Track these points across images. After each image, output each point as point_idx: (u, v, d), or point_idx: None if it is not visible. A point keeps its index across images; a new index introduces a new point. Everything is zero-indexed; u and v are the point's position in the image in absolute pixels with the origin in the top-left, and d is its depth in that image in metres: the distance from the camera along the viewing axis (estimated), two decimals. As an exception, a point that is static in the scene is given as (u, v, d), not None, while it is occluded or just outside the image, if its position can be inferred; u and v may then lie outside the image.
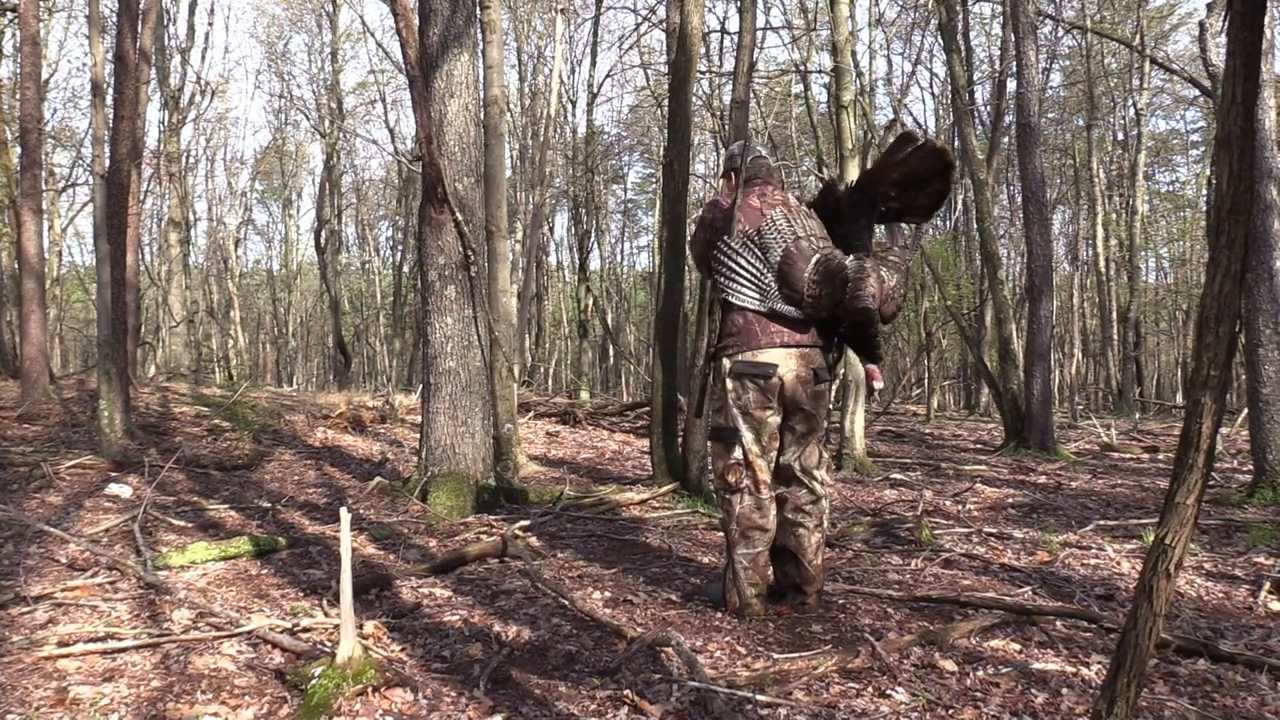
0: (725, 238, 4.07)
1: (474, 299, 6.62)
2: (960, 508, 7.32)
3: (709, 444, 4.42)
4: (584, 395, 22.65)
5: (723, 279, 4.06)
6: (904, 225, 4.42)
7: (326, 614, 3.97)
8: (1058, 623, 4.01)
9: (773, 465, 4.09)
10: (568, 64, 26.69)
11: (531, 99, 27.09)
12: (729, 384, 4.02)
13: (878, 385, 4.50)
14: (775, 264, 3.96)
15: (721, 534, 5.84)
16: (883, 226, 4.36)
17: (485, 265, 7.63)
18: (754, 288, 4.01)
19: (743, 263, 4.02)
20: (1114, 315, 26.53)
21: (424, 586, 4.53)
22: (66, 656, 3.38)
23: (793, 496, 4.11)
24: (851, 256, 3.89)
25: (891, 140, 4.11)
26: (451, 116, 6.63)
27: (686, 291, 8.96)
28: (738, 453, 4.01)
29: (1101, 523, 6.48)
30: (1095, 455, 11.50)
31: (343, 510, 3.20)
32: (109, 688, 3.13)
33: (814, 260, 3.92)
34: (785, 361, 3.96)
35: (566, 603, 4.13)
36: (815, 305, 3.94)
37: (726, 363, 4.04)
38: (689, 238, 4.47)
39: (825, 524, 4.18)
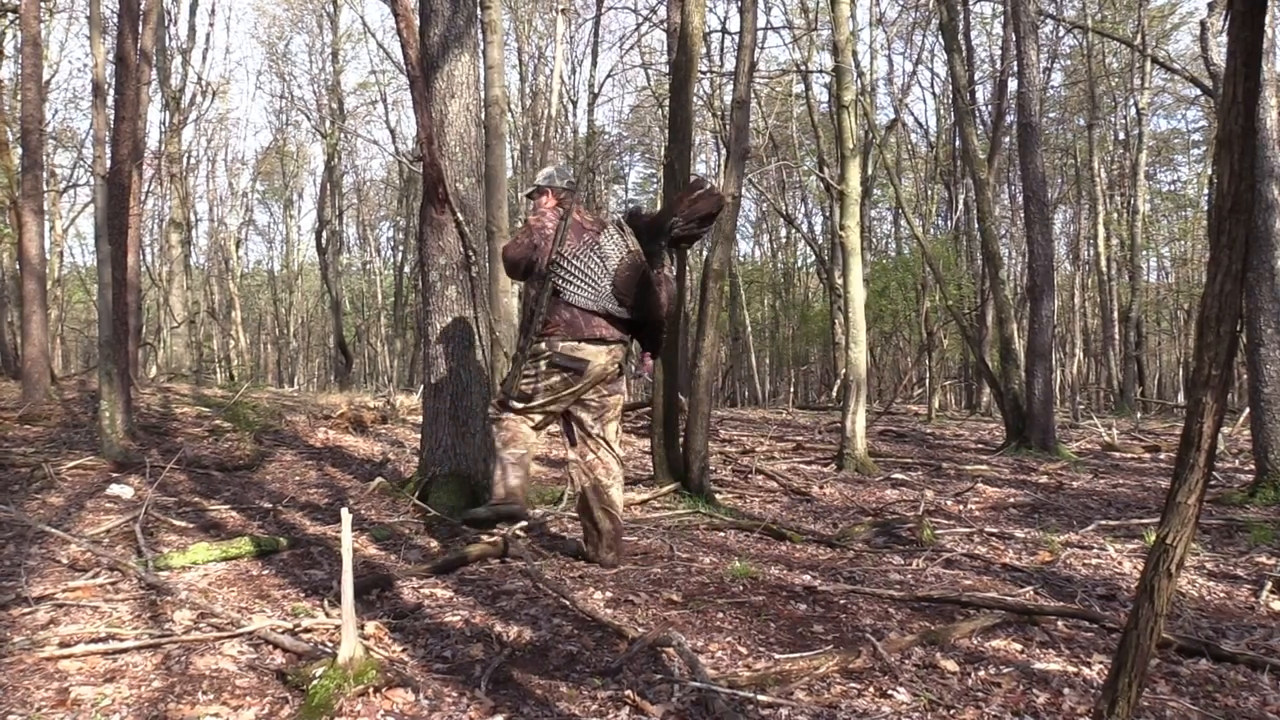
0: (565, 245, 4.75)
1: (475, 299, 6.62)
2: (962, 508, 7.32)
3: (501, 393, 4.99)
4: (585, 395, 22.61)
5: (563, 281, 4.72)
6: (678, 246, 5.31)
7: (328, 614, 3.97)
8: (1059, 623, 4.01)
9: (546, 420, 5.00)
10: (569, 64, 26.70)
11: (532, 99, 27.10)
12: (543, 365, 4.77)
13: (647, 372, 5.26)
14: (612, 270, 4.73)
15: (721, 534, 5.91)
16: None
17: (486, 265, 7.64)
18: (591, 289, 4.73)
19: (583, 267, 4.73)
20: (1115, 315, 26.53)
21: (425, 587, 4.53)
22: (68, 657, 3.38)
23: (602, 462, 4.99)
24: (655, 271, 4.82)
25: (693, 182, 5.02)
26: (452, 117, 6.63)
27: (688, 292, 8.95)
28: (518, 407, 4.86)
29: (1103, 522, 6.48)
30: (1097, 455, 11.49)
31: (344, 511, 3.20)
32: (110, 688, 3.13)
33: (641, 271, 4.74)
34: (597, 357, 4.76)
35: (568, 603, 4.13)
36: (634, 308, 4.77)
37: (545, 347, 4.75)
38: (511, 241, 5.07)
39: (622, 480, 5.17)
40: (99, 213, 8.53)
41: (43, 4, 14.95)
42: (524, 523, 5.42)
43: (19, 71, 13.02)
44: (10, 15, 15.38)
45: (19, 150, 11.96)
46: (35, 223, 10.68)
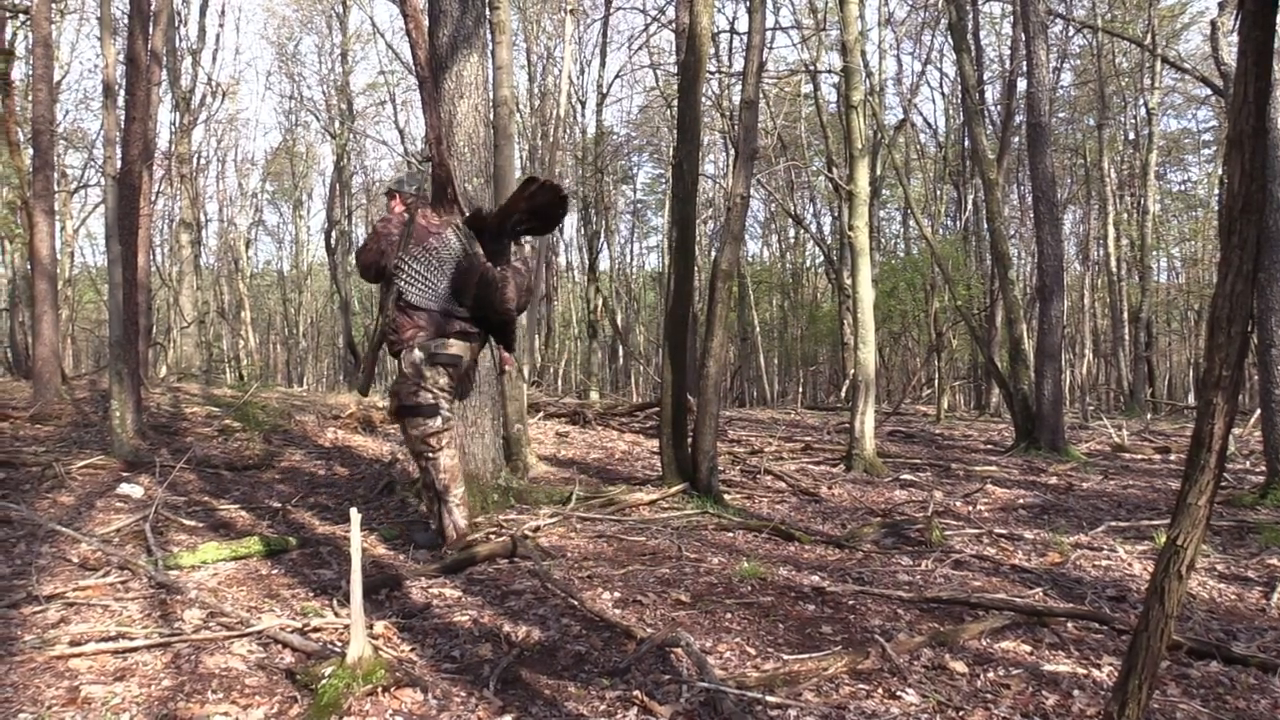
0: (407, 248, 4.93)
1: (483, 299, 6.62)
2: (971, 509, 7.30)
3: (404, 420, 5.08)
4: (593, 396, 22.66)
5: (404, 283, 4.91)
6: (531, 239, 5.72)
7: (337, 614, 3.98)
8: (1069, 624, 4.00)
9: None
10: (577, 64, 26.73)
11: (541, 99, 27.11)
12: (425, 370, 4.93)
13: (510, 368, 5.44)
14: (449, 273, 4.93)
15: (730, 534, 5.90)
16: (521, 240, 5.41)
17: (495, 266, 7.64)
18: (431, 291, 4.92)
19: (421, 270, 4.91)
20: (1125, 315, 26.42)
21: (434, 587, 4.53)
22: (78, 656, 3.40)
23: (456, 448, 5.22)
24: (499, 268, 4.99)
25: (524, 180, 5.06)
26: (461, 117, 6.64)
27: (696, 292, 8.95)
28: (438, 421, 4.98)
29: (1113, 524, 6.46)
30: (1106, 456, 11.45)
31: (353, 511, 3.21)
32: (120, 687, 3.15)
33: (479, 272, 4.92)
34: (464, 352, 5.00)
35: (576, 603, 4.13)
36: (476, 306, 4.97)
37: (419, 352, 4.92)
38: (361, 246, 5.19)
39: None
40: (109, 213, 8.56)
41: (54, 5, 15.01)
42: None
43: (30, 72, 13.08)
44: (22, 16, 15.45)
45: (30, 151, 12.01)
46: (46, 223, 10.72)
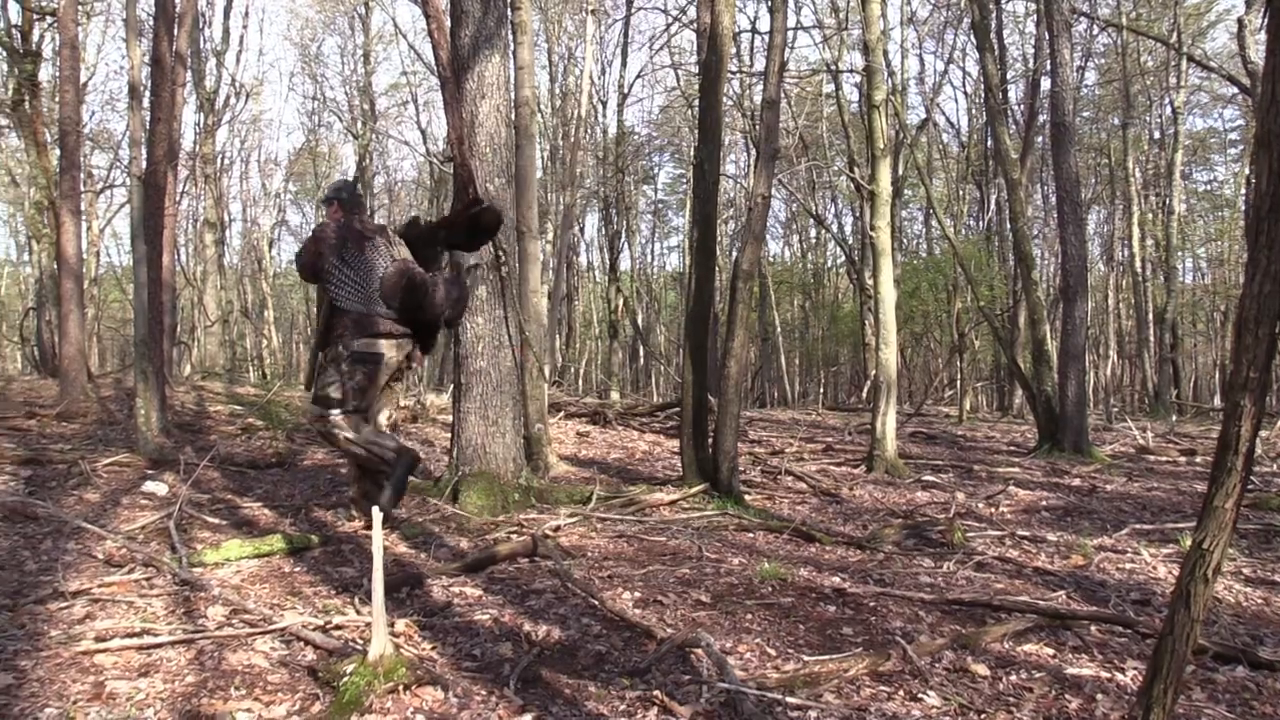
0: (339, 253, 5.15)
1: (505, 299, 6.65)
2: (993, 510, 7.26)
3: (318, 407, 5.22)
4: (614, 395, 22.66)
5: (334, 286, 5.13)
6: (464, 254, 6.13)
7: (358, 612, 4.00)
8: (1092, 627, 3.97)
9: (366, 417, 5.25)
10: (598, 64, 26.73)
11: (562, 100, 27.15)
12: (344, 366, 5.11)
13: (417, 366, 5.63)
14: (378, 277, 5.11)
15: (750, 535, 5.90)
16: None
17: (516, 265, 7.66)
18: (360, 293, 5.11)
19: (351, 274, 5.12)
20: (1150, 316, 26.20)
21: (455, 585, 4.55)
22: (103, 651, 3.43)
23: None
24: (430, 274, 5.21)
25: (472, 199, 5.34)
26: (483, 118, 6.66)
27: (717, 292, 8.94)
28: (337, 414, 5.10)
29: (1137, 526, 6.40)
30: (1131, 458, 11.36)
31: (374, 509, 3.23)
32: (144, 682, 3.17)
33: (406, 276, 5.10)
34: (389, 350, 5.16)
35: (596, 603, 4.14)
36: (403, 309, 5.14)
37: (344, 349, 5.11)
38: (300, 248, 5.43)
39: None
40: (135, 213, 8.64)
41: (80, 7, 15.15)
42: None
43: (57, 74, 13.23)
44: (49, 18, 15.61)
45: (57, 151, 12.15)
46: (72, 223, 10.82)
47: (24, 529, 5.34)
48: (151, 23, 9.83)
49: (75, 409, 9.91)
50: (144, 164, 9.14)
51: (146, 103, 10.06)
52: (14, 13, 16.05)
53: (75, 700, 3.01)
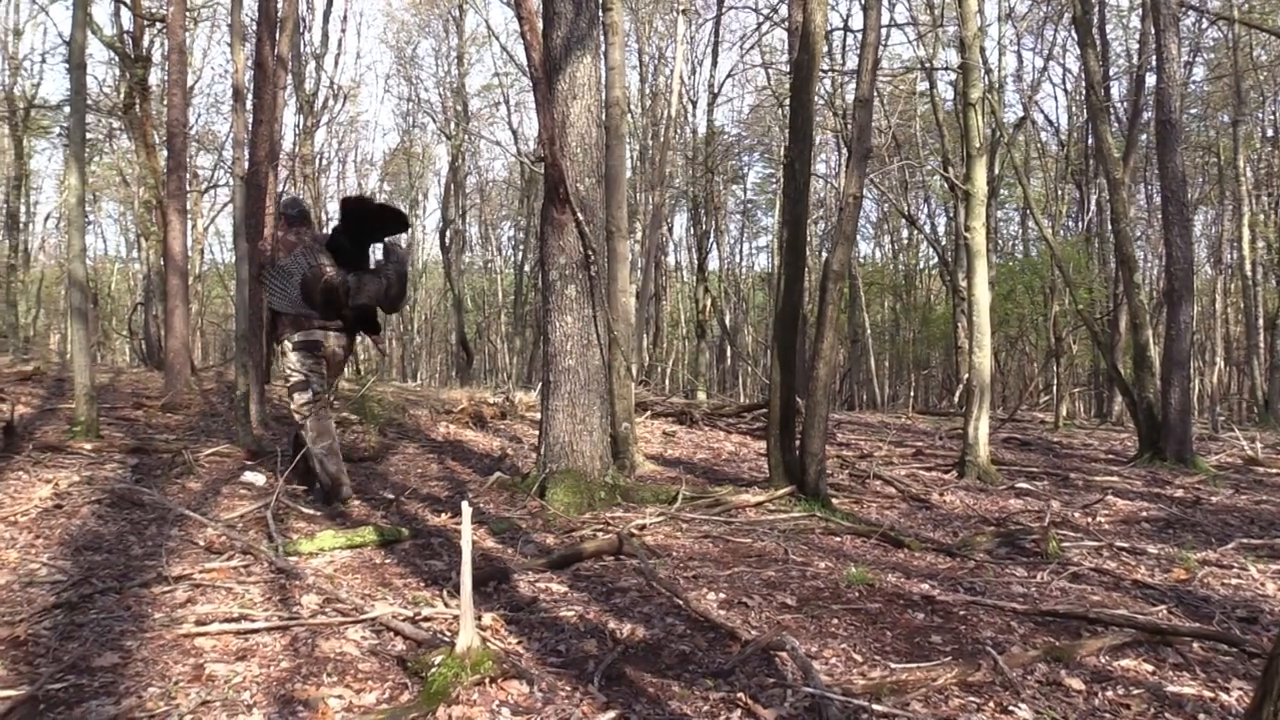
0: (271, 264, 6.24)
1: (593, 298, 6.68)
2: (1090, 520, 7.04)
3: (288, 393, 6.47)
4: (701, 396, 22.59)
5: (268, 293, 6.29)
6: (397, 243, 7.01)
7: (446, 604, 4.06)
8: (1195, 644, 3.82)
9: (327, 397, 6.50)
10: (689, 64, 26.72)
11: (652, 100, 27.22)
12: (293, 355, 6.28)
13: (384, 347, 6.50)
14: (296, 283, 6.17)
15: (837, 538, 5.84)
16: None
17: (605, 265, 7.69)
18: (286, 299, 6.19)
19: (278, 282, 6.20)
20: (1260, 322, 25.13)
21: (541, 581, 4.59)
22: (203, 635, 3.55)
23: (332, 426, 6.56)
24: (352, 275, 6.26)
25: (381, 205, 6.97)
26: (574, 118, 6.71)
27: (806, 293, 8.85)
28: (308, 394, 6.36)
29: (1244, 541, 6.14)
30: (1238, 469, 10.90)
31: (464, 504, 3.27)
32: (241, 666, 3.27)
33: (320, 281, 6.13)
34: (326, 339, 6.33)
35: (681, 603, 4.13)
36: (324, 308, 6.22)
37: (289, 343, 6.27)
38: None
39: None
40: (237, 212, 8.93)
41: (187, 13, 15.70)
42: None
43: (165, 78, 13.72)
44: (158, 25, 16.22)
45: (164, 153, 12.59)
46: (179, 222, 11.21)
47: (130, 515, 5.56)
48: (254, 28, 10.15)
49: (179, 401, 10.26)
50: (246, 164, 9.43)
51: (249, 105, 10.38)
52: (126, 19, 16.76)
53: (176, 681, 3.12)
